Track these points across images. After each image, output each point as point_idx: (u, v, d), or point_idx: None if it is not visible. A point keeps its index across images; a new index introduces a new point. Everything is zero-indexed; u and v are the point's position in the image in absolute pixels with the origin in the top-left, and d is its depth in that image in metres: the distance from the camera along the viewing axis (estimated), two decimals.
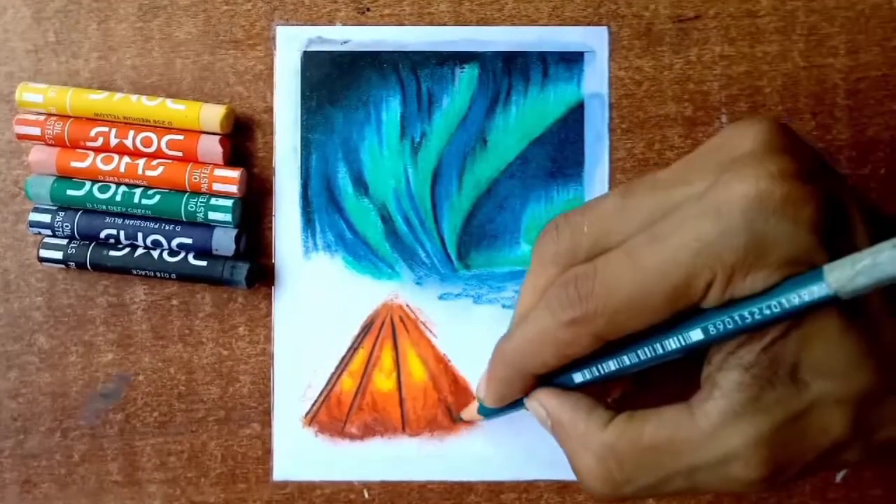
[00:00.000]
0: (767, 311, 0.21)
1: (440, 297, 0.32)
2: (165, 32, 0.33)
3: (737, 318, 0.22)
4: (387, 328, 0.32)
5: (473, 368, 0.32)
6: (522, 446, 0.32)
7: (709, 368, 0.24)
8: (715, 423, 0.22)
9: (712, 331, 0.22)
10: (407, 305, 0.32)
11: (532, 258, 0.27)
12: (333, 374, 0.32)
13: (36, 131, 0.32)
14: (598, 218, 0.25)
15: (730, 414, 0.22)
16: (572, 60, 0.32)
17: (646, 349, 0.24)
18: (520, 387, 0.27)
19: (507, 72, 0.32)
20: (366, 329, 0.32)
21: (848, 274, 0.20)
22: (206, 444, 0.32)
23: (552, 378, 0.26)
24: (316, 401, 0.32)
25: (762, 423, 0.22)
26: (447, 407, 0.32)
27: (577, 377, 0.26)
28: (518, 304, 0.27)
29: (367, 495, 0.32)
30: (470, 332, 0.32)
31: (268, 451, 0.32)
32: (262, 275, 0.32)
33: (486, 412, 0.29)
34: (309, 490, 0.32)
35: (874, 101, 0.32)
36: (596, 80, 0.32)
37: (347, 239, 0.32)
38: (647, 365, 0.24)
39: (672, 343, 0.23)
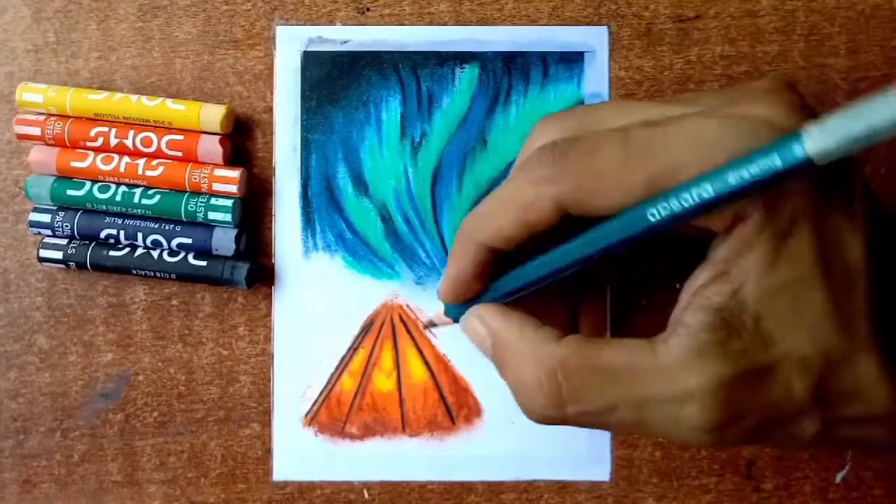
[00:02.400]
0: (739, 178, 0.19)
1: None
2: (165, 32, 0.33)
3: (709, 186, 0.20)
4: (387, 328, 0.32)
5: (473, 368, 0.32)
6: (522, 446, 0.32)
7: (676, 311, 0.23)
8: (676, 359, 0.21)
9: (682, 201, 0.20)
10: (407, 305, 0.32)
11: (525, 143, 0.25)
12: (333, 374, 0.32)
13: (36, 131, 0.32)
14: (594, 111, 0.24)
15: (693, 352, 0.21)
16: (572, 60, 0.32)
17: (606, 228, 0.21)
18: (474, 266, 0.24)
19: (508, 72, 0.32)
20: (366, 329, 0.32)
21: (821, 133, 0.18)
22: (206, 444, 0.32)
23: (500, 290, 0.25)
24: (316, 401, 0.32)
25: (724, 368, 0.21)
26: (447, 407, 0.32)
27: (522, 275, 0.24)
28: None
29: (367, 495, 0.32)
30: None
31: (268, 451, 0.32)
32: (262, 275, 0.32)
33: (453, 312, 0.27)
34: (309, 490, 0.32)
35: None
36: (596, 80, 0.32)
37: (347, 239, 0.32)
38: (601, 251, 0.22)
39: (630, 220, 0.21)
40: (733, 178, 0.19)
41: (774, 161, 0.19)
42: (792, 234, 0.21)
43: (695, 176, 0.20)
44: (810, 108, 0.22)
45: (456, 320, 0.27)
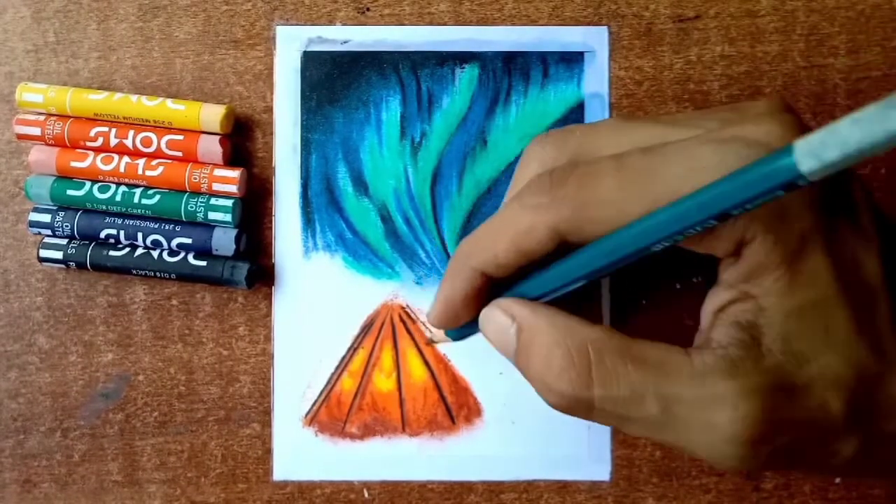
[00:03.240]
0: (732, 199, 0.19)
1: None
2: (165, 32, 0.33)
3: (705, 205, 0.19)
4: (387, 328, 0.32)
5: (473, 368, 0.32)
6: (522, 446, 0.32)
7: (700, 335, 0.22)
8: (709, 367, 0.20)
9: (682, 222, 0.20)
10: (407, 305, 0.32)
11: (518, 163, 0.25)
12: (333, 374, 0.32)
13: (36, 131, 0.32)
14: (591, 130, 0.23)
15: (727, 363, 0.20)
16: (572, 60, 0.32)
17: (606, 243, 0.21)
18: (466, 291, 0.24)
19: (508, 72, 0.32)
20: (366, 329, 0.32)
21: (811, 146, 0.18)
22: (207, 443, 0.32)
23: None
24: (316, 401, 0.32)
25: (760, 379, 0.20)
26: (447, 407, 0.32)
27: (531, 285, 0.23)
28: None
29: (367, 495, 0.32)
30: None
31: (268, 451, 0.32)
32: (262, 275, 0.32)
33: (453, 332, 0.27)
34: (309, 490, 0.32)
35: (874, 101, 0.32)
36: (596, 80, 0.32)
37: (347, 239, 0.32)
38: (607, 268, 0.22)
39: (636, 232, 0.20)
40: (726, 200, 0.19)
41: (767, 180, 0.18)
42: (805, 253, 0.20)
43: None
44: (809, 129, 0.22)
45: (455, 339, 0.28)
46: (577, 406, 0.22)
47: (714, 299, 0.22)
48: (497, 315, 0.23)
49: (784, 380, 0.20)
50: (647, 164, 0.21)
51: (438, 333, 0.28)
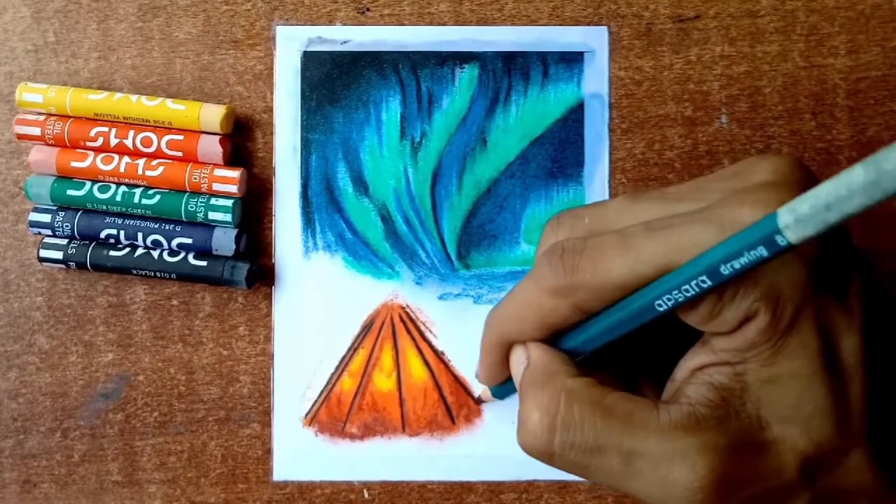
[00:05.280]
0: (728, 269, 0.20)
1: (440, 297, 0.32)
2: (165, 32, 0.33)
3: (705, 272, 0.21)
4: (387, 328, 0.32)
5: (473, 368, 0.32)
6: None
7: (673, 384, 0.24)
8: (674, 422, 0.22)
9: (677, 281, 0.21)
10: (407, 305, 0.32)
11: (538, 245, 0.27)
12: (333, 374, 0.32)
13: (36, 131, 0.32)
14: (600, 212, 0.25)
15: (692, 419, 0.22)
16: (572, 60, 0.32)
17: (616, 314, 0.23)
18: (503, 356, 0.26)
19: (507, 72, 0.32)
20: (366, 329, 0.32)
21: (794, 211, 0.19)
22: (206, 444, 0.32)
23: None
24: (316, 401, 0.32)
25: (719, 438, 0.21)
26: (447, 407, 0.32)
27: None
28: None
29: (367, 495, 0.32)
30: (470, 332, 0.32)
31: (268, 451, 0.32)
32: (262, 275, 0.32)
33: (496, 391, 0.29)
34: (309, 490, 0.32)
35: (874, 101, 0.32)
36: (596, 80, 0.32)
37: (347, 239, 0.32)
38: (618, 331, 0.23)
39: (640, 304, 0.22)
40: (714, 258, 0.20)
41: (753, 251, 0.20)
42: (794, 329, 0.21)
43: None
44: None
45: (499, 398, 0.30)
46: (540, 450, 0.23)
47: (695, 358, 0.23)
48: (518, 353, 0.26)
49: (744, 440, 0.22)
50: (650, 243, 0.22)
51: (486, 393, 0.31)
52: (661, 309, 0.22)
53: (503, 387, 0.29)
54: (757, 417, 0.22)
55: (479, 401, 0.32)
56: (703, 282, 0.21)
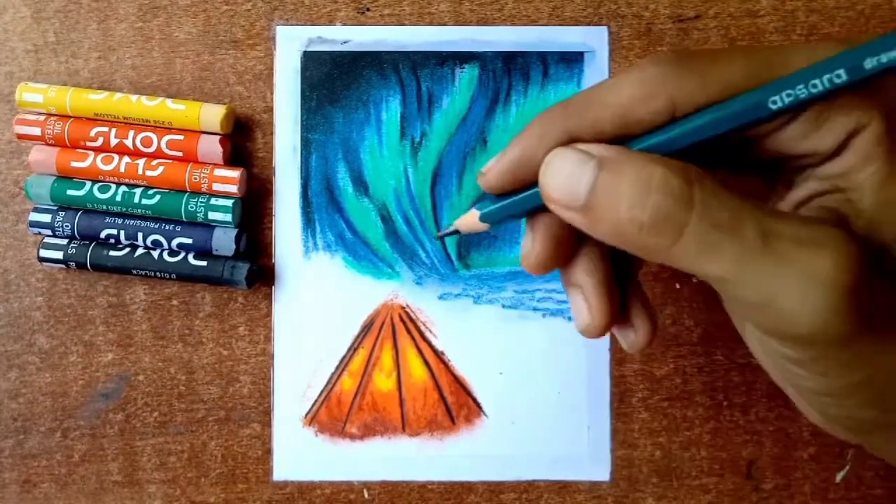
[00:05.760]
0: (873, 63, 0.19)
1: (440, 297, 0.32)
2: (165, 32, 0.33)
3: (841, 71, 0.19)
4: (387, 328, 0.32)
5: (473, 368, 0.32)
6: (522, 446, 0.32)
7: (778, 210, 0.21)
8: (810, 216, 0.20)
9: (811, 87, 0.19)
10: (407, 305, 0.32)
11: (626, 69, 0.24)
12: (333, 374, 0.32)
13: (36, 131, 0.32)
14: (714, 55, 0.22)
15: (825, 217, 0.20)
16: (572, 60, 0.32)
17: (720, 113, 0.20)
18: (544, 152, 0.21)
19: (507, 72, 0.32)
20: (366, 329, 0.32)
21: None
22: (207, 444, 0.32)
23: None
24: (316, 401, 0.32)
25: (852, 247, 0.19)
26: (447, 407, 0.32)
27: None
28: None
29: (367, 495, 0.32)
30: (470, 332, 0.32)
31: (268, 451, 0.32)
32: (262, 275, 0.32)
33: (492, 213, 0.22)
34: (309, 490, 0.32)
35: None
36: (596, 80, 0.32)
37: (347, 239, 0.32)
38: (711, 130, 0.21)
39: (749, 106, 0.20)
40: (868, 63, 0.19)
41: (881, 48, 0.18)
42: None
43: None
44: None
45: (490, 221, 0.23)
46: (666, 227, 0.19)
47: (799, 191, 0.21)
48: (570, 154, 0.20)
49: (871, 251, 0.19)
50: (775, 54, 0.20)
51: (467, 220, 0.23)
52: (774, 107, 0.20)
53: (502, 205, 0.22)
54: (879, 240, 0.20)
55: (450, 233, 0.24)
56: (838, 76, 0.19)
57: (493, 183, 0.22)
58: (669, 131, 0.21)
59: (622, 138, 0.21)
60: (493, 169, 0.22)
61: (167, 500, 0.32)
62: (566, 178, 0.20)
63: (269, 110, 0.33)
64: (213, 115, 0.31)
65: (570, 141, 0.21)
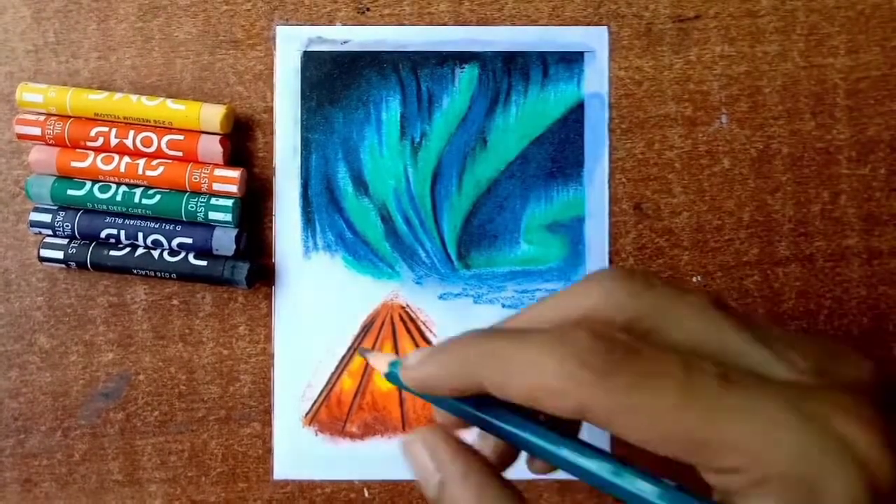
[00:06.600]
0: None
1: (440, 297, 0.32)
2: (165, 32, 0.33)
3: None
4: (387, 328, 0.32)
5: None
6: None
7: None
8: None
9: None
10: (407, 305, 0.32)
11: (581, 280, 0.22)
12: (333, 373, 0.32)
13: (36, 131, 0.32)
14: (675, 301, 0.20)
15: None
16: (572, 60, 0.32)
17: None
18: (458, 387, 0.21)
19: (507, 72, 0.32)
20: (366, 329, 0.32)
21: None
22: (207, 443, 0.32)
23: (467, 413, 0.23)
24: (316, 400, 0.32)
25: None
26: None
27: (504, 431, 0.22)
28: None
29: (367, 494, 0.32)
30: None
31: (268, 451, 0.32)
32: (262, 274, 0.32)
33: (395, 378, 0.22)
34: (309, 489, 0.32)
35: (874, 101, 0.32)
36: (596, 80, 0.32)
37: (347, 239, 0.32)
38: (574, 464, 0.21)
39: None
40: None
41: None
42: None
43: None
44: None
45: (393, 381, 0.23)
46: None
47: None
48: (423, 456, 0.22)
49: None
50: (719, 404, 0.18)
51: (379, 361, 0.23)
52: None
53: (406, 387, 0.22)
54: None
55: (363, 353, 0.24)
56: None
57: (412, 385, 0.22)
58: (550, 438, 0.21)
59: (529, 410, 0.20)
60: (412, 372, 0.22)
61: (168, 499, 0.32)
62: (420, 470, 0.22)
63: (269, 110, 0.33)
64: (213, 115, 0.31)
65: (476, 390, 0.21)
